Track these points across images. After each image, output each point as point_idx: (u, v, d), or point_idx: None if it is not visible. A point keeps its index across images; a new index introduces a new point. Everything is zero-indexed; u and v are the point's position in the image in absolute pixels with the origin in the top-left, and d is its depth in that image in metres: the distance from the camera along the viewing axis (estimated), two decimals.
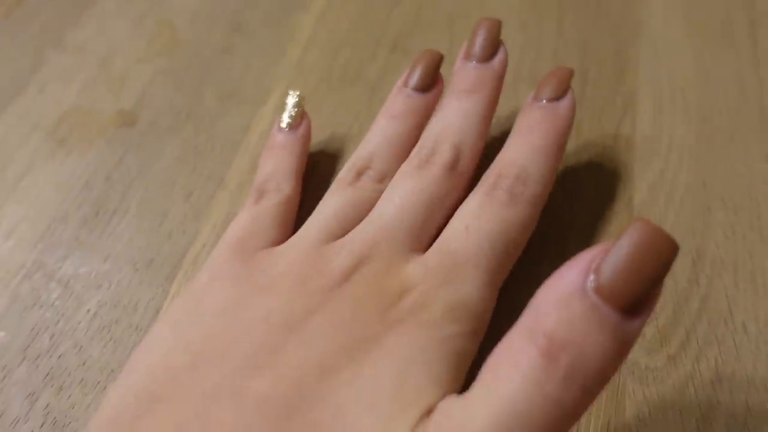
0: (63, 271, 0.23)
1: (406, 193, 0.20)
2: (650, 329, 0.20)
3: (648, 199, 0.23)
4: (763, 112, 0.26)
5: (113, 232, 0.24)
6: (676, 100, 0.27)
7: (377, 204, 0.20)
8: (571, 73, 0.21)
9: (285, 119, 0.24)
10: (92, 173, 0.26)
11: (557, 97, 0.21)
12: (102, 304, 0.22)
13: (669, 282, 0.21)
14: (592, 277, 0.13)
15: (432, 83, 0.23)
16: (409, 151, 0.22)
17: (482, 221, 0.19)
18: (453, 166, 0.20)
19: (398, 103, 0.23)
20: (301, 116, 0.25)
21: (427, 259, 0.19)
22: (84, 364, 0.21)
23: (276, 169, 0.23)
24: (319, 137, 0.26)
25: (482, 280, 0.18)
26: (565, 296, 0.13)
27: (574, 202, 0.24)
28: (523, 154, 0.20)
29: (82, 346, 0.21)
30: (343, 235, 0.20)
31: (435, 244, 0.19)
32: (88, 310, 0.22)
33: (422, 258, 0.19)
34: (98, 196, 0.25)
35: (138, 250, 0.23)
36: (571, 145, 0.25)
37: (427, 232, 0.20)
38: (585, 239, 0.23)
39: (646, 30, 0.29)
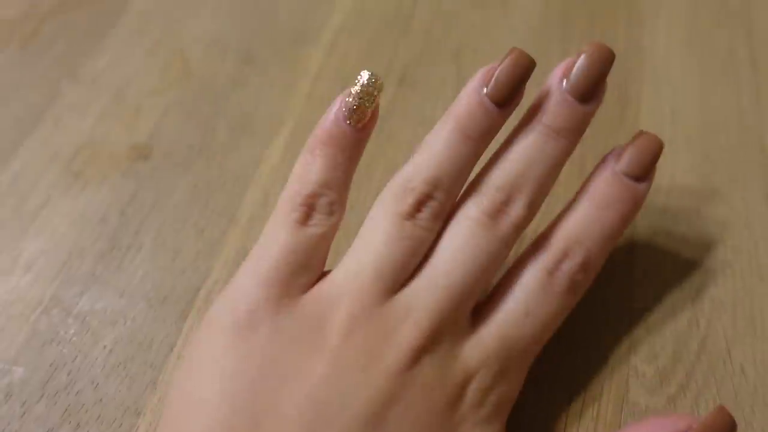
0: (80, 307, 0.24)
1: (473, 252, 0.19)
2: (651, 369, 0.21)
3: (648, 238, 0.24)
4: (764, 152, 0.26)
5: (128, 267, 0.24)
6: (677, 137, 0.27)
7: (438, 255, 0.19)
8: (662, 149, 0.20)
9: (353, 104, 0.19)
10: (108, 207, 0.26)
11: (641, 178, 0.19)
12: (117, 341, 0.23)
13: (669, 322, 0.22)
14: None
15: (516, 96, 0.19)
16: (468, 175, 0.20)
17: (541, 307, 0.19)
18: (523, 225, 0.19)
19: (477, 118, 0.19)
20: (373, 110, 0.19)
21: (483, 340, 0.18)
22: (101, 400, 0.21)
23: (330, 176, 0.19)
24: None
25: (528, 364, 0.19)
26: None
27: None
28: (593, 235, 0.19)
29: (98, 383, 0.22)
30: (395, 284, 0.19)
31: (492, 323, 0.19)
32: (105, 347, 0.22)
33: (478, 337, 0.19)
34: (113, 230, 0.26)
35: (152, 287, 0.24)
36: (574, 182, 0.26)
37: (480, 293, 0.19)
38: None
39: (649, 66, 0.30)
